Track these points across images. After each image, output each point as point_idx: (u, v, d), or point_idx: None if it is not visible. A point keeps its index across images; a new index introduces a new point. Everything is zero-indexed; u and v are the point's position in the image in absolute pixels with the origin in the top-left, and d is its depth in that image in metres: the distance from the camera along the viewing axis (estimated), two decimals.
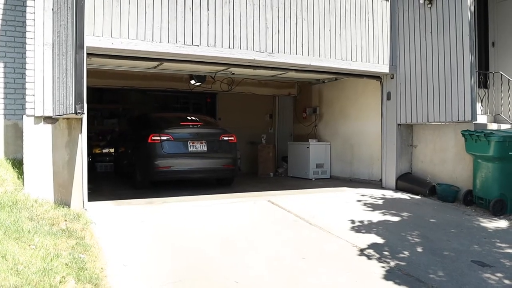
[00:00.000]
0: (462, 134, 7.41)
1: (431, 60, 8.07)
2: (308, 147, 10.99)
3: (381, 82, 9.06)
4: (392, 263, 4.69)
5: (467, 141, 7.31)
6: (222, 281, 4.16)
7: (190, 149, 8.52)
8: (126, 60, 7.02)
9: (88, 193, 6.21)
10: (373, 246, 5.19)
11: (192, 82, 10.46)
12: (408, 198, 7.91)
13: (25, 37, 5.97)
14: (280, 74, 9.46)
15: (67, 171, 6.03)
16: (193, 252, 4.84)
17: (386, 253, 4.98)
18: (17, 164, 6.26)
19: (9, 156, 6.68)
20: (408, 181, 8.55)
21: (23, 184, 5.79)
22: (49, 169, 5.95)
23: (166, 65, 8.10)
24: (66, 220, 5.14)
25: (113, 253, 4.59)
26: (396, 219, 6.40)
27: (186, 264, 4.49)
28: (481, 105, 8.64)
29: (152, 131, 8.42)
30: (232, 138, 9.02)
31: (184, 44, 6.78)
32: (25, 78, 6.01)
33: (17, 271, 3.41)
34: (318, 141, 11.32)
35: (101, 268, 4.11)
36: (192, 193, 7.85)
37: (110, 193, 7.97)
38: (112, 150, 12.73)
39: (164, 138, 8.35)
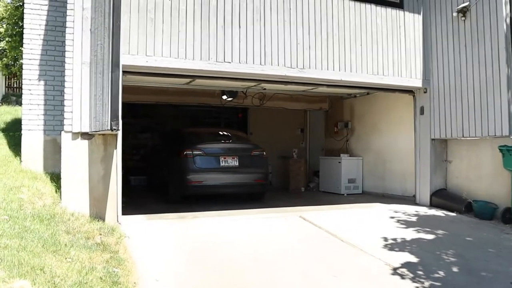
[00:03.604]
0: (499, 149, 7.20)
1: (465, 74, 7.92)
2: (340, 162, 10.89)
3: (414, 96, 8.94)
4: (427, 284, 4.57)
5: (504, 156, 7.11)
6: None
7: (222, 164, 8.59)
8: (160, 77, 7.18)
9: (122, 207, 6.32)
10: (406, 265, 5.07)
11: (224, 97, 10.56)
12: (443, 215, 7.72)
13: (64, 56, 6.20)
14: (311, 89, 9.46)
15: (102, 186, 6.19)
16: (225, 267, 4.86)
17: (420, 272, 4.85)
18: (55, 178, 6.47)
19: (48, 170, 6.92)
20: (443, 197, 8.33)
21: (60, 198, 5.97)
22: (85, 183, 6.12)
23: (198, 81, 8.22)
24: (101, 234, 5.26)
25: (146, 267, 4.66)
26: (430, 237, 6.24)
27: (217, 280, 4.51)
28: None
29: (185, 146, 8.54)
30: (264, 153, 9.06)
31: (216, 61, 6.89)
32: (63, 96, 6.23)
33: (54, 284, 3.50)
34: (350, 156, 11.19)
35: (134, 283, 4.18)
36: (223, 208, 7.88)
37: (143, 206, 8.11)
38: (145, 164, 12.94)
39: (197, 153, 8.45)
